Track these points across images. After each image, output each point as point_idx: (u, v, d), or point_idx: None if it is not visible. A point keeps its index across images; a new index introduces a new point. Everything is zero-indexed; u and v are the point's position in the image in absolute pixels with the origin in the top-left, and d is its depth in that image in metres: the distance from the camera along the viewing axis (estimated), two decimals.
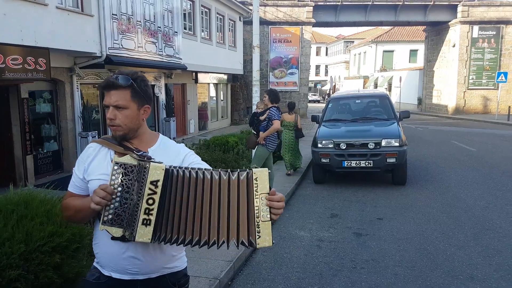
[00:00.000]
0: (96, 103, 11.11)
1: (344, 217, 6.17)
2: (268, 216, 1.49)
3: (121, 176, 1.55)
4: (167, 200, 1.55)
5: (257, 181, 1.48)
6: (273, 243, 1.49)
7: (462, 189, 7.72)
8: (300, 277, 4.19)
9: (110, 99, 1.67)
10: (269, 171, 1.57)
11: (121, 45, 10.63)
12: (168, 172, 1.55)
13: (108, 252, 1.69)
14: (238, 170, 1.53)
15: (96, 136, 9.93)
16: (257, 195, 1.48)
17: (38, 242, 2.61)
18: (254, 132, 6.72)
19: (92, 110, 10.76)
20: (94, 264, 1.78)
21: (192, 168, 1.56)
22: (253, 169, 1.51)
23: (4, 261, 2.40)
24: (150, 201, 1.52)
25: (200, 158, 1.83)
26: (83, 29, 9.15)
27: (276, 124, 6.42)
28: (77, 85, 10.01)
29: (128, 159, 1.57)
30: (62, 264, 2.73)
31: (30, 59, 7.50)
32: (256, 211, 1.48)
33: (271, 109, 6.45)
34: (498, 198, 7.08)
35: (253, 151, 7.03)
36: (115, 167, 1.56)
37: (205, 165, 1.76)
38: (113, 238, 1.58)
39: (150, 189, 1.52)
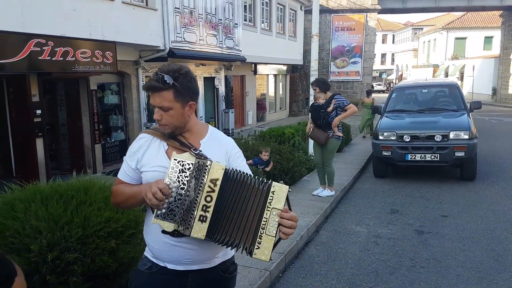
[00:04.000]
0: None
1: (405, 214, 5.87)
2: (274, 232, 1.53)
3: (178, 172, 1.58)
4: (222, 200, 1.59)
5: (273, 194, 1.54)
6: (270, 259, 1.53)
7: None
8: (354, 274, 4.04)
9: (154, 101, 1.70)
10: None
11: (184, 38, 10.89)
12: (227, 172, 1.60)
13: (161, 243, 1.69)
14: (262, 180, 1.58)
15: None
16: (269, 208, 1.53)
17: (95, 227, 2.73)
18: (318, 128, 6.25)
19: None
20: (145, 253, 1.80)
21: (245, 173, 1.63)
22: (274, 183, 1.55)
23: (62, 244, 2.55)
24: (208, 198, 1.57)
25: (245, 161, 1.87)
26: (147, 23, 9.48)
27: (354, 107, 6.15)
28: (142, 78, 10.44)
29: (187, 157, 1.61)
30: (117, 249, 2.84)
31: (98, 52, 7.92)
32: (263, 223, 1.53)
33: (336, 97, 6.12)
34: None
35: (315, 146, 6.62)
36: (173, 164, 1.59)
37: (248, 171, 1.79)
38: (163, 231, 1.62)
39: (209, 186, 1.57)
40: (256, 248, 1.52)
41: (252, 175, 1.64)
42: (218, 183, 1.56)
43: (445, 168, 8.01)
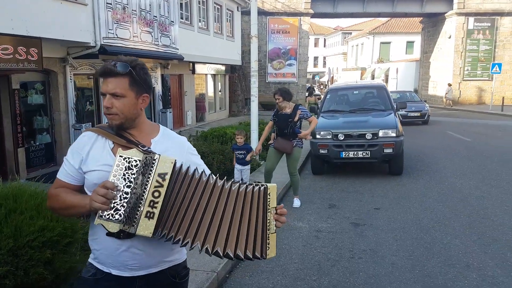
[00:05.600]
0: (90, 94, 10.94)
1: (342, 208, 6.13)
2: (274, 228, 1.56)
3: (124, 170, 1.50)
4: (172, 196, 1.52)
5: (269, 196, 1.54)
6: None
7: (458, 179, 7.69)
8: (299, 268, 4.14)
9: (107, 87, 1.60)
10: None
11: (116, 34, 10.45)
12: (176, 167, 1.53)
13: (108, 247, 1.60)
14: (246, 183, 1.58)
15: None
16: (269, 209, 1.54)
17: (28, 237, 2.52)
18: (279, 137, 6.23)
19: (86, 101, 10.61)
20: (90, 260, 1.70)
21: (200, 171, 1.59)
22: (268, 184, 1.56)
23: None
24: (156, 194, 1.48)
25: (200, 157, 1.83)
26: (76, 18, 8.96)
27: (315, 119, 6.38)
28: (70, 76, 9.85)
29: (133, 153, 1.52)
30: (53, 260, 2.65)
31: (21, 49, 7.32)
32: (268, 225, 1.54)
33: (300, 108, 6.22)
34: (493, 187, 7.06)
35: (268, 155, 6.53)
36: (119, 161, 1.50)
37: (206, 170, 1.76)
38: (108, 234, 1.52)
39: (157, 181, 1.49)
40: (268, 249, 1.54)
41: (210, 173, 1.63)
42: (167, 177, 1.48)
43: (375, 164, 8.49)
